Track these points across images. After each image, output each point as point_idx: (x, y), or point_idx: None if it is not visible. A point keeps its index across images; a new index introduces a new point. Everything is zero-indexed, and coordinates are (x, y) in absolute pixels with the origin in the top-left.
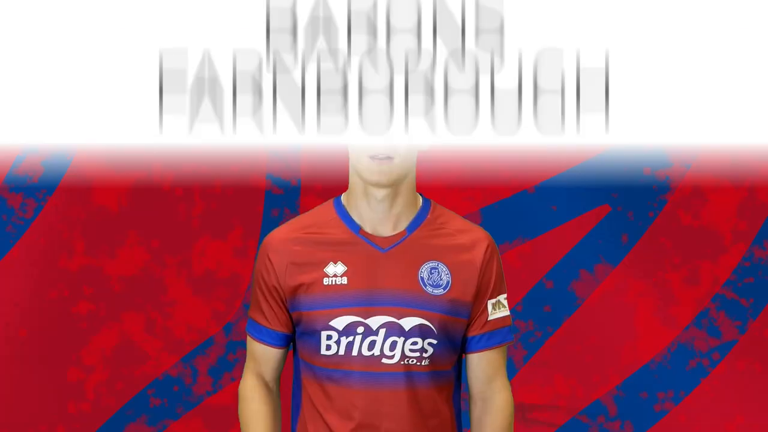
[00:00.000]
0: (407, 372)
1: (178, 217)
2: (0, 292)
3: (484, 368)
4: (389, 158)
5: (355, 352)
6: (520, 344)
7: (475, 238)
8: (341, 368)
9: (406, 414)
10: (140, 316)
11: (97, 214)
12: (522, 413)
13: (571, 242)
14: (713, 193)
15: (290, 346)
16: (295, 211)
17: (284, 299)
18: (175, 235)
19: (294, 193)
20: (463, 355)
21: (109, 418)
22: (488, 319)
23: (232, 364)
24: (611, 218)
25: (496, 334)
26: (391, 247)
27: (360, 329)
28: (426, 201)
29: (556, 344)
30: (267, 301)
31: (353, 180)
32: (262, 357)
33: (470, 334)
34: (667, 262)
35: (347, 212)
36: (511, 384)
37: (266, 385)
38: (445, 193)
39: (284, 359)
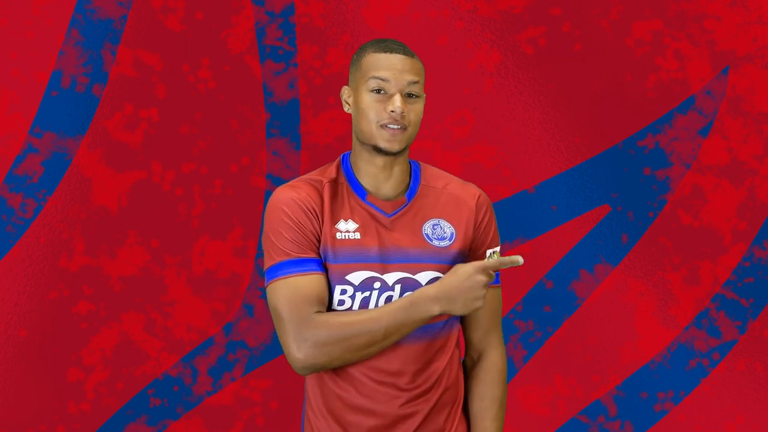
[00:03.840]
0: (425, 324)
1: (178, 217)
2: (0, 292)
3: (482, 313)
4: (403, 129)
5: (371, 307)
6: (520, 344)
7: (468, 191)
8: None
9: (421, 359)
10: (140, 316)
11: (97, 214)
12: (522, 413)
13: (571, 242)
14: (713, 193)
15: None
16: None
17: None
18: (175, 235)
19: None
20: None
21: (109, 418)
22: None
23: (232, 364)
24: (611, 218)
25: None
26: (395, 213)
27: (377, 284)
28: (415, 164)
29: (556, 344)
30: (308, 237)
31: (356, 145)
32: (322, 290)
33: None
34: (667, 262)
35: (354, 176)
36: (512, 384)
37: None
38: None
39: None
